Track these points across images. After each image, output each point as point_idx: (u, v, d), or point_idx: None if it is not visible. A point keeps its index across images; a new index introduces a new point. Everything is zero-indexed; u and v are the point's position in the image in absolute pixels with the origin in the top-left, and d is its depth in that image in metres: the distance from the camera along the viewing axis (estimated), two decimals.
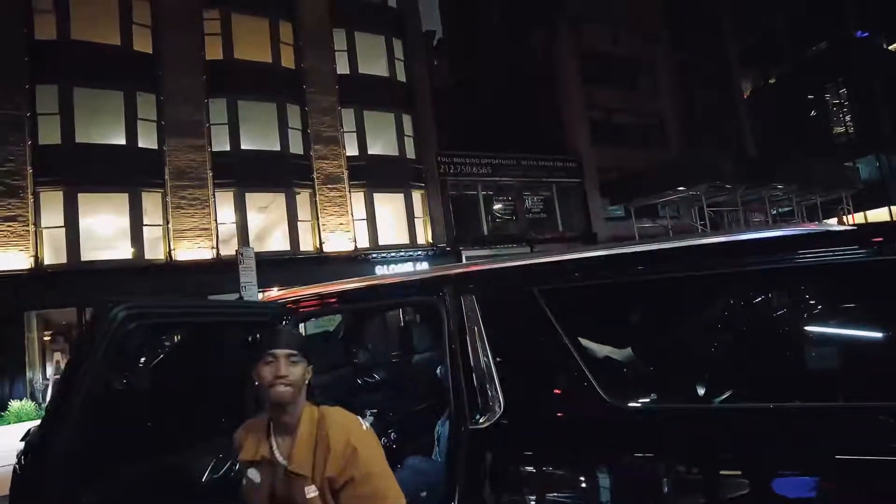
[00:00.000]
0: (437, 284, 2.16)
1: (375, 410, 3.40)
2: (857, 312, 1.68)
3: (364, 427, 1.69)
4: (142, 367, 2.24)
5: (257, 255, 12.99)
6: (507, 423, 1.80)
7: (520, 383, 1.86)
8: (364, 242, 18.16)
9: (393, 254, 18.33)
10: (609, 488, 1.63)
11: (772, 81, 37.35)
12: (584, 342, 1.81)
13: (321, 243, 17.43)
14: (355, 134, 18.68)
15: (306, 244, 17.35)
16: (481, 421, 1.84)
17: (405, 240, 18.88)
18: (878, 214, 29.41)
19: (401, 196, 19.10)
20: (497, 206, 21.65)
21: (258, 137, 17.28)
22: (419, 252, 18.80)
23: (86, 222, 14.93)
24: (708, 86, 28.73)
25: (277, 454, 1.66)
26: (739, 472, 1.49)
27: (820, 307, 1.75)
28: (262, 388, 1.66)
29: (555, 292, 1.90)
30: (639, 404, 1.74)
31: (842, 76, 32.85)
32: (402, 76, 20.06)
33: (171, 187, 15.77)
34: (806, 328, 1.74)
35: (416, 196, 19.41)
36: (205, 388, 2.28)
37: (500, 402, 1.84)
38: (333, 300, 2.52)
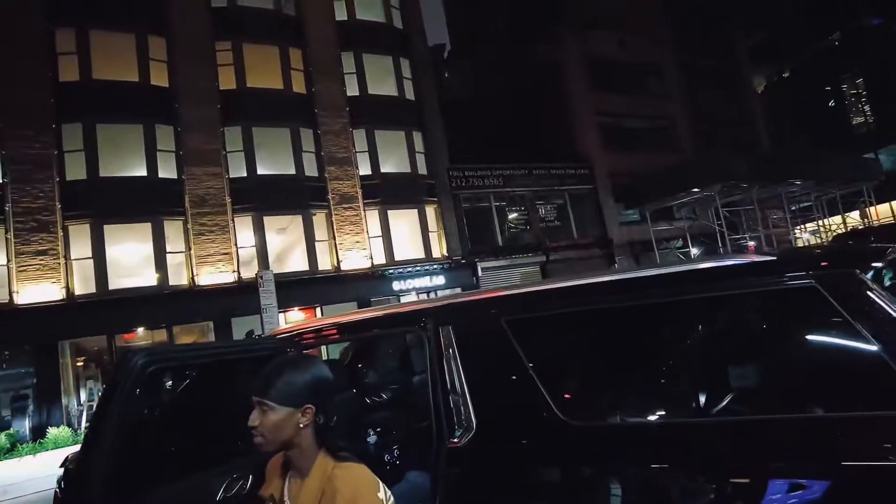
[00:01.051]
0: (419, 316, 2.40)
1: (379, 429, 3.63)
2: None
3: (379, 494, 1.47)
4: (164, 401, 2.52)
5: (277, 276, 13.38)
6: (479, 441, 2.02)
7: (490, 405, 2.08)
8: (380, 259, 18.50)
9: (409, 269, 18.63)
10: (569, 497, 1.84)
11: (785, 75, 37.00)
12: (543, 366, 2.02)
13: (339, 262, 17.80)
14: (367, 154, 19.09)
15: (324, 263, 17.74)
16: (456, 440, 2.06)
17: (420, 254, 19.17)
18: None
19: (414, 211, 19.42)
20: (510, 217, 21.85)
21: (273, 162, 17.78)
22: (435, 266, 19.07)
23: (112, 252, 15.49)
24: (718, 84, 28.67)
25: (286, 496, 1.58)
26: (679, 479, 1.69)
27: (744, 330, 1.95)
28: None
29: (518, 321, 2.12)
30: (590, 422, 1.95)
31: (858, 65, 32.42)
32: (410, 94, 20.46)
33: (191, 214, 16.30)
34: (730, 350, 1.94)
35: (430, 210, 19.72)
36: (219, 416, 2.54)
37: (472, 422, 2.06)
38: (331, 332, 2.77)
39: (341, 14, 19.96)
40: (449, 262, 19.38)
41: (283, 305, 14.37)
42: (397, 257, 18.77)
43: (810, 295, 1.66)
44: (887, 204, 27.78)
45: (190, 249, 16.14)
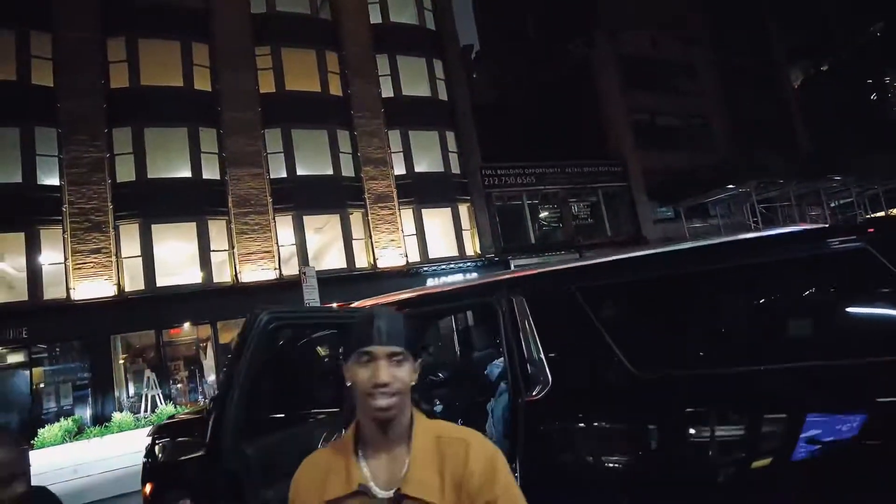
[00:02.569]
0: (494, 287, 2.65)
1: (442, 404, 3.90)
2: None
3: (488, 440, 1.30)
4: (277, 360, 2.84)
5: (317, 273, 13.80)
6: (556, 394, 2.26)
7: (564, 362, 2.32)
8: (415, 257, 18.83)
9: (443, 266, 18.92)
10: (637, 440, 2.07)
11: (824, 69, 36.21)
12: (613, 326, 2.25)
13: (375, 259, 18.19)
14: (402, 154, 19.47)
15: (361, 261, 18.15)
16: (535, 393, 2.30)
17: (454, 252, 19.44)
18: None
19: (448, 210, 19.71)
20: (543, 214, 21.96)
21: (312, 163, 18.27)
22: (468, 263, 19.32)
23: (159, 251, 16.15)
24: (753, 80, 28.25)
25: (372, 481, 1.22)
26: (737, 419, 1.91)
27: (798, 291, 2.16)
28: (355, 392, 1.25)
29: (589, 289, 2.36)
30: (658, 374, 2.17)
31: None
32: (443, 95, 20.77)
33: (234, 214, 16.88)
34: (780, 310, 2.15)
35: (463, 209, 19.98)
36: (322, 375, 2.85)
37: (549, 377, 2.30)
38: (413, 303, 3.04)
39: (375, 17, 20.39)
40: (482, 259, 19.60)
41: (324, 300, 14.80)
42: (431, 255, 19.08)
43: (862, 255, 1.86)
44: None
45: (233, 248, 16.71)
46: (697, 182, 21.20)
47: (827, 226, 2.08)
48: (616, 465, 2.06)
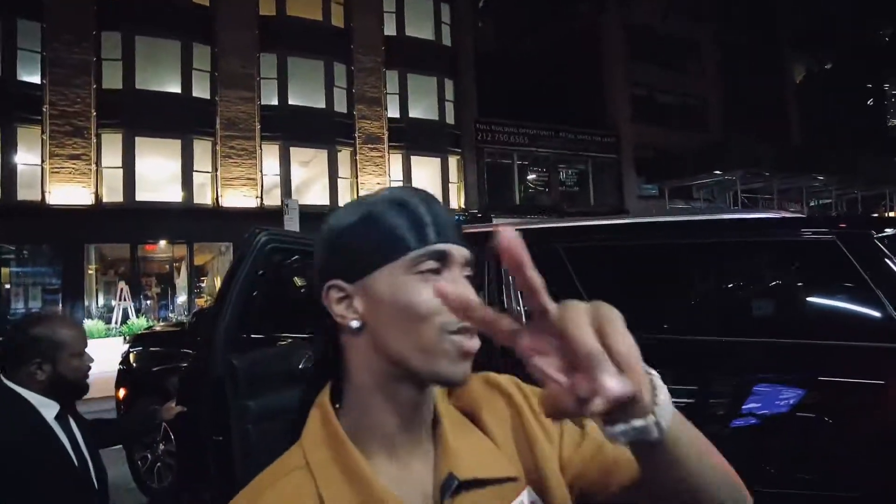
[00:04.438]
0: (478, 239, 2.75)
1: None
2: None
3: None
4: (268, 281, 2.93)
5: (299, 206, 13.76)
6: None
7: None
8: None
9: None
10: None
11: (827, 67, 36.17)
12: (591, 287, 2.38)
13: None
14: (398, 96, 19.15)
15: (344, 200, 18.05)
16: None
17: None
18: None
19: (437, 161, 19.61)
20: (531, 177, 21.99)
21: (305, 94, 17.89)
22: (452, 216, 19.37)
23: (141, 164, 15.86)
24: (757, 69, 28.08)
25: (439, 460, 0.66)
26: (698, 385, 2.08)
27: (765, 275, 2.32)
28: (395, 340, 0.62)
29: (573, 249, 2.47)
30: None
31: None
32: (447, 41, 20.32)
33: (221, 137, 16.57)
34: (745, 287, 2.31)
35: (453, 161, 19.89)
36: (301, 299, 2.96)
37: None
38: None
39: None
40: (465, 214, 19.66)
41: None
42: None
43: (830, 248, 2.00)
44: None
45: (216, 170, 16.48)
46: (686, 163, 21.34)
47: (803, 215, 2.22)
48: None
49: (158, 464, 3.86)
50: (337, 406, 0.66)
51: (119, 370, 4.36)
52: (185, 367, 3.08)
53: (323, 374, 0.67)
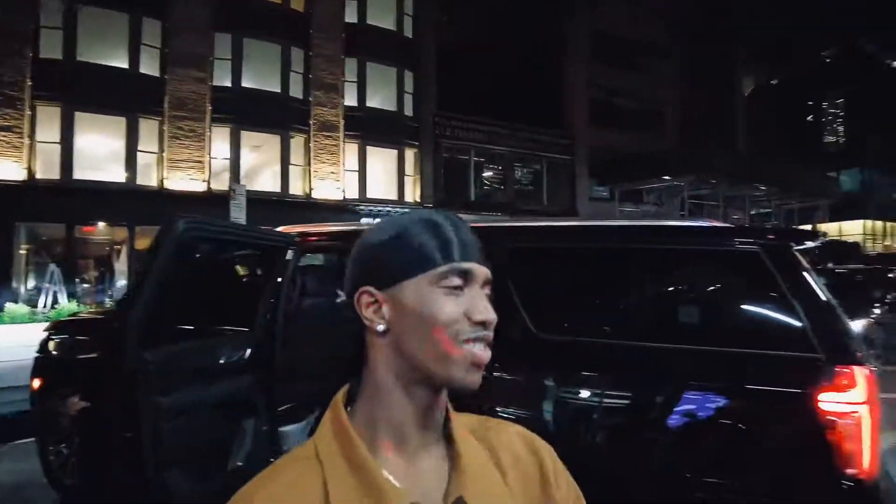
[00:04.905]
0: None
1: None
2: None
3: None
4: (190, 271, 2.79)
5: (248, 192, 13.37)
6: None
7: None
8: (353, 193, 18.56)
9: (380, 208, 18.76)
10: (534, 393, 2.23)
11: (774, 82, 37.77)
12: (523, 289, 2.37)
13: (311, 189, 17.79)
14: (356, 84, 18.85)
15: (296, 188, 17.71)
16: None
17: (393, 195, 19.31)
18: (853, 227, 30.49)
19: (394, 152, 19.44)
20: (487, 174, 22.07)
21: (260, 77, 17.38)
22: (406, 209, 19.25)
23: (81, 141, 15.07)
24: (712, 79, 28.98)
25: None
26: (621, 388, 2.10)
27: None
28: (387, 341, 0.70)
29: (507, 250, 2.45)
30: (557, 337, 2.33)
31: (842, 86, 33.37)
32: (409, 32, 20.13)
33: (168, 117, 15.92)
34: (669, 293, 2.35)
35: (409, 154, 19.76)
36: (230, 292, 2.83)
37: None
38: (321, 239, 3.04)
39: None
40: (420, 207, 19.59)
41: (251, 222, 14.39)
42: (370, 194, 18.87)
43: (753, 258, 2.05)
44: (837, 223, 29.25)
45: (163, 151, 15.84)
46: (638, 167, 21.87)
47: (731, 225, 2.26)
48: (508, 416, 2.22)
49: (74, 459, 3.65)
50: (348, 408, 0.72)
51: (36, 358, 4.09)
52: (90, 360, 2.91)
53: (349, 370, 0.74)
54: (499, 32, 27.37)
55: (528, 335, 2.26)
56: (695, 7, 27.69)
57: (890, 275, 9.33)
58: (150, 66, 15.80)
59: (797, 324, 1.95)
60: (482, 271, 0.71)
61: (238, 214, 12.65)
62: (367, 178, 18.83)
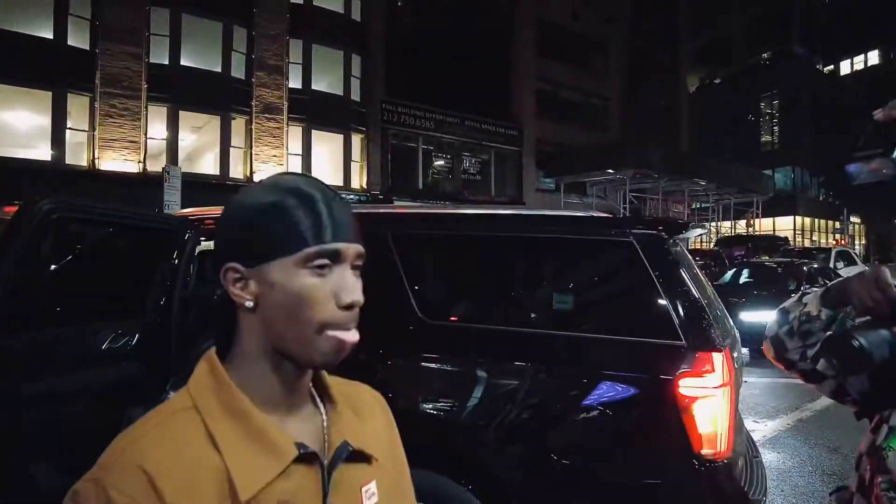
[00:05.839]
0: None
1: None
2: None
3: None
4: (61, 255, 2.66)
5: (185, 175, 12.93)
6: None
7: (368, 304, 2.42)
8: None
9: None
10: (420, 375, 2.26)
11: (717, 81, 39.09)
12: (413, 275, 2.38)
13: (252, 172, 17.34)
14: (301, 67, 18.42)
15: (236, 171, 17.22)
16: None
17: (339, 182, 19.03)
18: (785, 222, 32.12)
19: (340, 137, 19.15)
20: (436, 163, 22.04)
21: (200, 55, 16.75)
22: (352, 196, 18.99)
23: (3, 116, 14.20)
24: (657, 74, 29.77)
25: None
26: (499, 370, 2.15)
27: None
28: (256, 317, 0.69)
29: (400, 236, 2.45)
30: (442, 322, 2.37)
31: (779, 88, 34.85)
32: (356, 15, 19.78)
33: (100, 93, 15.16)
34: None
35: (356, 139, 19.51)
36: (109, 276, 2.72)
37: None
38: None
39: None
40: (367, 195, 19.38)
41: (187, 206, 13.92)
42: None
43: (628, 248, 2.11)
44: (771, 218, 30.73)
45: (94, 130, 15.09)
46: (583, 160, 22.26)
47: (608, 215, 2.34)
48: (394, 400, 2.23)
49: None
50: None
51: None
52: None
53: (220, 338, 0.73)
54: (449, 19, 27.29)
55: (416, 320, 2.27)
56: (637, 4, 28.34)
57: (804, 268, 9.87)
58: (79, 39, 14.99)
59: (665, 312, 2.03)
60: (353, 249, 0.70)
61: (172, 198, 12.22)
62: (311, 163, 18.49)
